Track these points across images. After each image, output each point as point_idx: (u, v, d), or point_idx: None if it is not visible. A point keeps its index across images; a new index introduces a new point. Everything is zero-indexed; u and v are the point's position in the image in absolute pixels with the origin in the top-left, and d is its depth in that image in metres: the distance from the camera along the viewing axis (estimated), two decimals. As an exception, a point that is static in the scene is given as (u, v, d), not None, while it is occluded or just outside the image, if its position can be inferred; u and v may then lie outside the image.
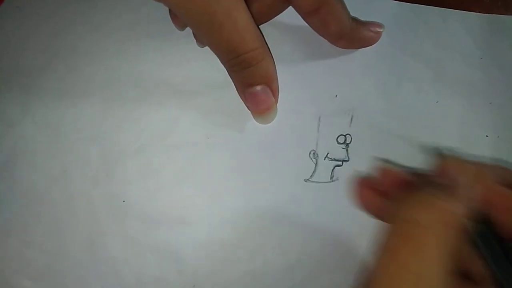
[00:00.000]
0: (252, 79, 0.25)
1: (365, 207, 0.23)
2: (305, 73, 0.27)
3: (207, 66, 0.26)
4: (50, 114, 0.26)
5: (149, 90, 0.26)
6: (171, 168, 0.26)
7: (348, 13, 0.26)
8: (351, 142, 0.27)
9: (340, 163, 0.27)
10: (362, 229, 0.26)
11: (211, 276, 0.25)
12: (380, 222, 0.21)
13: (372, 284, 0.17)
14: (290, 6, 0.26)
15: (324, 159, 0.27)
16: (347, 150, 0.27)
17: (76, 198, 0.25)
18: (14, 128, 0.26)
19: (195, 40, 0.27)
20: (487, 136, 0.27)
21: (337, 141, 0.27)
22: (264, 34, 0.26)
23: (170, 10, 0.26)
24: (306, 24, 0.26)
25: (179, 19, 0.26)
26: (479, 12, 0.29)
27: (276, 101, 0.26)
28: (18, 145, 0.26)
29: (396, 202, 0.18)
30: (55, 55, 0.26)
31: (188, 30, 0.26)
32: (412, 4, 0.29)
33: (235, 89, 0.26)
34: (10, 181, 0.25)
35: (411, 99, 0.28)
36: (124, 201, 0.25)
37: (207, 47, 0.26)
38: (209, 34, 0.24)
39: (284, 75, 0.27)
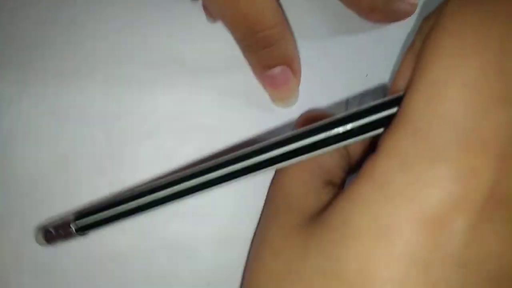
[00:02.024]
0: (271, 59, 0.22)
1: None
2: (331, 51, 0.25)
3: (223, 43, 0.24)
4: (50, 93, 0.23)
5: (158, 67, 0.24)
6: (183, 153, 0.23)
7: (381, -17, 0.23)
8: (382, 126, 0.24)
9: (370, 148, 0.24)
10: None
11: (227, 273, 0.23)
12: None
13: None
14: (316, -25, 0.23)
15: (353, 145, 0.24)
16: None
17: (79, 186, 0.23)
18: (10, 108, 0.23)
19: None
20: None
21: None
22: (283, 7, 0.24)
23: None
24: (333, -5, 0.24)
25: None
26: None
27: (298, 83, 0.24)
28: (15, 126, 0.23)
29: None
30: (54, 29, 0.23)
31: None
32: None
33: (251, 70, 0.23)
34: (7, 165, 0.23)
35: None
36: (131, 190, 0.23)
37: (219, 22, 0.24)
38: (223, 7, 0.21)
39: (307, 53, 0.24)
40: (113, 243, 0.23)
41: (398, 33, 0.25)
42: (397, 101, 0.17)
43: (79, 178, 0.23)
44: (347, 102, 0.24)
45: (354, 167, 0.22)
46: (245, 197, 0.23)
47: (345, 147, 0.21)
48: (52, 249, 0.22)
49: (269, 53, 0.22)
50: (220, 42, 0.24)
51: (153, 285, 0.23)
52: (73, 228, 0.21)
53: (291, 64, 0.23)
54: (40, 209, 0.23)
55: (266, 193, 0.23)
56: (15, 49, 0.23)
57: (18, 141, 0.23)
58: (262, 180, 0.23)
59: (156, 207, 0.20)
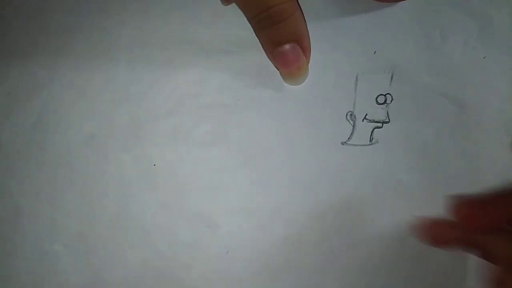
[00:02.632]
0: (281, 36, 0.23)
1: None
2: (340, 28, 0.26)
3: (236, 24, 0.25)
4: (78, 77, 0.25)
5: (176, 50, 0.25)
6: (201, 130, 0.25)
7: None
8: (392, 102, 0.25)
9: (380, 124, 0.25)
10: (404, 194, 0.25)
11: (244, 242, 0.24)
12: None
13: None
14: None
15: (363, 121, 0.25)
16: (387, 111, 0.25)
17: (106, 162, 0.25)
18: (42, 91, 0.25)
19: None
20: (541, 93, 0.25)
21: (376, 101, 0.25)
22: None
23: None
24: (341, -25, 0.25)
25: None
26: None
27: (308, 61, 0.25)
28: (46, 108, 0.25)
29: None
30: (83, 15, 0.25)
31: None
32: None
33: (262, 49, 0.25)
34: (39, 144, 0.25)
35: (456, 54, 0.26)
36: (155, 165, 0.25)
37: (232, 4, 0.25)
38: None
39: (317, 31, 0.25)
40: (137, 214, 0.24)
41: (405, 10, 0.26)
42: None
43: (105, 155, 0.25)
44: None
45: None
46: (261, 169, 0.25)
47: None
48: (84, 222, 0.24)
49: (279, 29, 0.23)
50: (233, 23, 0.25)
51: (175, 254, 0.24)
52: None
53: (301, 41, 0.24)
54: (70, 185, 0.25)
55: (278, 164, 0.24)
56: (46, 36, 0.25)
57: (50, 122, 0.25)
58: (275, 152, 0.25)
59: None
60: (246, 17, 0.24)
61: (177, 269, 0.24)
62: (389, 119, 0.25)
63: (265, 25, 0.24)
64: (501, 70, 0.26)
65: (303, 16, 0.25)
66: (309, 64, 0.25)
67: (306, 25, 0.25)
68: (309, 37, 0.25)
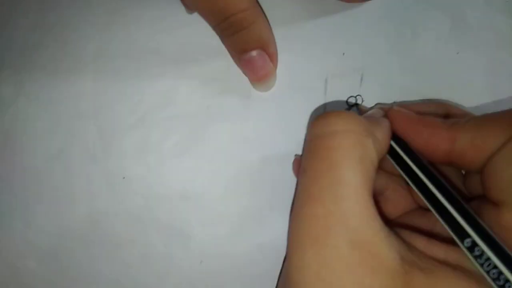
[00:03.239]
0: (246, 43, 0.23)
1: None
2: (307, 32, 0.25)
3: (203, 32, 0.25)
4: (44, 92, 0.25)
5: (142, 60, 0.25)
6: (171, 141, 0.25)
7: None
8: (362, 103, 0.25)
9: (351, 126, 0.25)
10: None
11: (218, 252, 0.24)
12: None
13: (295, 204, 0.17)
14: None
15: (334, 124, 0.25)
16: (358, 113, 0.25)
17: (74, 176, 0.25)
18: (8, 108, 0.25)
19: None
20: (516, 87, 0.24)
21: (347, 103, 0.25)
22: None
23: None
24: (306, -23, 0.24)
25: None
26: None
27: (275, 66, 0.24)
28: (13, 125, 0.25)
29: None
30: (47, 30, 0.25)
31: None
32: None
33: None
34: (9, 162, 0.25)
35: (428, 51, 0.25)
36: (124, 178, 0.24)
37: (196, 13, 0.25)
38: None
39: (284, 35, 0.25)
40: (109, 228, 0.24)
41: (373, 9, 0.25)
42: None
43: (74, 170, 0.25)
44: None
45: None
46: (232, 177, 0.24)
47: None
48: (55, 237, 0.24)
49: (243, 36, 0.23)
50: (200, 32, 0.25)
51: (148, 267, 0.24)
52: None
53: (267, 47, 0.23)
54: (40, 201, 0.25)
55: (250, 171, 0.24)
56: (10, 53, 0.25)
57: (17, 138, 0.25)
58: (245, 159, 0.24)
59: None
60: (210, 25, 0.24)
61: (151, 282, 0.24)
62: (361, 120, 0.25)
63: (228, 33, 0.23)
64: (476, 64, 0.25)
65: (267, 22, 0.25)
66: (277, 69, 0.25)
67: (271, 31, 0.25)
68: (275, 42, 0.25)
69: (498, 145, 0.17)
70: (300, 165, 0.18)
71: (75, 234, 0.24)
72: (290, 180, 0.24)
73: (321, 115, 0.18)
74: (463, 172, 0.22)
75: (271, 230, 0.24)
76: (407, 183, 0.21)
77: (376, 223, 0.16)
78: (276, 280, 0.23)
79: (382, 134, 0.19)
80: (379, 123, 0.19)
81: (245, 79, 0.25)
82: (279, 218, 0.24)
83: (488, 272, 0.15)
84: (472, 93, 0.25)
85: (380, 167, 0.21)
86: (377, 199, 0.22)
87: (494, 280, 0.15)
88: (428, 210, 0.19)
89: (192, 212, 0.24)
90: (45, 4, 0.25)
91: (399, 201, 0.22)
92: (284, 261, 0.23)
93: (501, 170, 0.16)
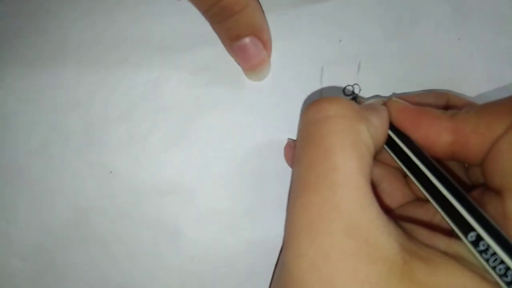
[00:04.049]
0: (238, 30, 0.22)
1: None
2: (302, 17, 0.24)
3: (192, 18, 0.23)
4: (24, 84, 0.23)
5: (127, 49, 0.24)
6: (158, 133, 0.23)
7: None
8: (360, 93, 0.24)
9: (348, 117, 0.24)
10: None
11: (209, 248, 0.23)
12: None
13: (291, 194, 0.17)
14: None
15: (330, 114, 0.24)
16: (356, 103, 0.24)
17: (59, 172, 0.23)
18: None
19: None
20: (519, 74, 0.23)
21: (343, 92, 0.24)
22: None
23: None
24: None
25: None
26: None
27: (269, 54, 0.23)
28: (-7, 119, 0.24)
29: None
30: (26, 19, 0.24)
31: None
32: None
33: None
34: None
35: (427, 38, 0.24)
36: (111, 172, 0.23)
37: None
38: None
39: (278, 21, 0.23)
40: (95, 225, 0.23)
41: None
42: None
43: (59, 165, 0.23)
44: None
45: None
46: (222, 170, 0.23)
47: None
48: (40, 235, 0.23)
49: (235, 22, 0.22)
50: (188, 18, 0.24)
51: (137, 265, 0.23)
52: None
53: (260, 34, 0.22)
54: (24, 198, 0.24)
55: (242, 165, 0.23)
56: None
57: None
58: (236, 152, 0.23)
59: None
60: (199, 11, 0.23)
61: (139, 281, 0.23)
62: (358, 110, 0.24)
63: (219, 19, 0.22)
64: (477, 50, 0.24)
65: (260, 7, 0.23)
66: (271, 58, 0.24)
67: (264, 17, 0.23)
68: (268, 29, 0.23)
69: (503, 129, 0.16)
70: (294, 153, 0.17)
71: (60, 231, 0.23)
72: (283, 174, 0.23)
73: (314, 102, 0.18)
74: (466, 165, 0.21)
75: (263, 227, 0.23)
76: (404, 175, 0.20)
77: (372, 210, 0.15)
78: (269, 276, 0.22)
79: (378, 120, 0.18)
80: (375, 109, 0.19)
81: (237, 68, 0.24)
82: (272, 213, 0.23)
83: (494, 268, 0.15)
84: (473, 81, 0.24)
85: (376, 159, 0.20)
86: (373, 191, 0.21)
87: (501, 276, 0.14)
88: (426, 201, 0.18)
89: (182, 207, 0.23)
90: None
91: (395, 194, 0.21)
92: (280, 252, 0.22)
93: (507, 152, 0.16)
